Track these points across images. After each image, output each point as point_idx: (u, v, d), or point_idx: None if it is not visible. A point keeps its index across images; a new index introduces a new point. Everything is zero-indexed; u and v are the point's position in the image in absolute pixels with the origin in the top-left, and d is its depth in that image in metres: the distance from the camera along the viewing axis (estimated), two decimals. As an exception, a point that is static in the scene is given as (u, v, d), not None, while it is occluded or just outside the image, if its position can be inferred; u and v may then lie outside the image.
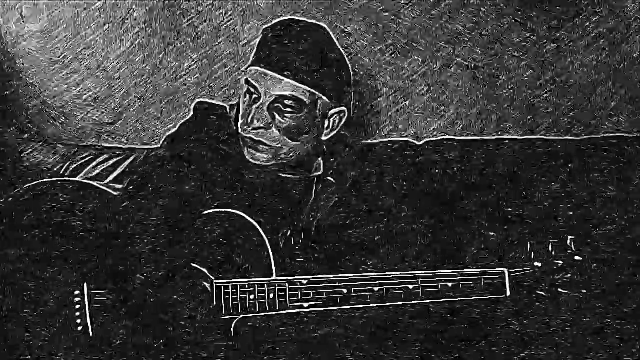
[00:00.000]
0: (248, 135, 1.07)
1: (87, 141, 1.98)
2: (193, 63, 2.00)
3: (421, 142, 1.74)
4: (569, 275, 0.96)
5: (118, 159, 1.83)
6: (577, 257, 0.97)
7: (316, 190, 1.14)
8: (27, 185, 1.11)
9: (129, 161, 1.52)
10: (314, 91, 1.06)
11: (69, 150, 1.95)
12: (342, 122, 1.13)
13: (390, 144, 1.73)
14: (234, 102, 1.21)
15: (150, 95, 2.07)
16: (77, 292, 1.03)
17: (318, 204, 1.13)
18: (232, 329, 1.03)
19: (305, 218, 1.11)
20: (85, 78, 2.15)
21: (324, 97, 1.08)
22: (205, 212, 1.04)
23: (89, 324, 1.01)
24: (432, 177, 1.64)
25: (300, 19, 1.13)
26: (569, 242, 0.98)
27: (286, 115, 1.06)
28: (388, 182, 1.27)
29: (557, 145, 1.65)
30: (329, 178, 1.15)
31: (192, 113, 1.20)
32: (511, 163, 1.61)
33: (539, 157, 1.62)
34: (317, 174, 1.17)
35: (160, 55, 2.07)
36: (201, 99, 1.23)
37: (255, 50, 1.10)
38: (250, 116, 1.06)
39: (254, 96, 1.07)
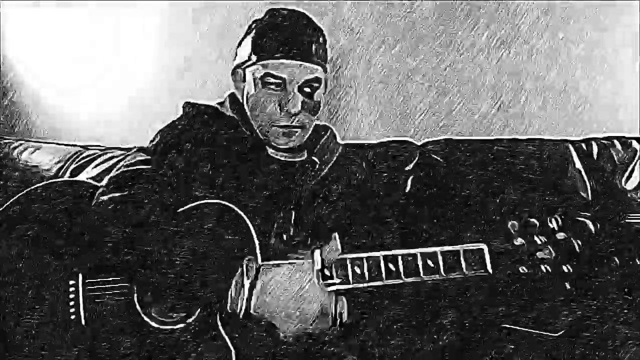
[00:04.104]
0: (283, 124, 1.14)
1: (87, 141, 1.99)
2: (194, 63, 2.01)
3: (421, 142, 1.74)
4: (550, 253, 0.98)
5: (118, 159, 1.83)
6: (558, 235, 0.99)
7: (304, 170, 1.21)
8: (32, 187, 1.13)
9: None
10: (322, 69, 1.17)
11: (69, 151, 1.95)
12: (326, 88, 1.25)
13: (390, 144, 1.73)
14: (222, 100, 1.27)
15: (151, 96, 2.08)
16: (72, 282, 1.06)
17: (305, 183, 1.20)
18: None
19: (295, 196, 1.17)
20: (85, 79, 2.16)
21: (323, 72, 1.19)
22: (195, 204, 1.07)
23: (82, 314, 1.04)
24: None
25: (284, 7, 1.20)
26: (549, 221, 1.00)
27: (312, 95, 1.15)
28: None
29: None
30: (314, 158, 1.22)
31: (181, 112, 1.26)
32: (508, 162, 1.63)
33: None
34: (302, 158, 1.25)
35: (162, 56, 2.08)
36: (189, 100, 1.26)
37: (256, 45, 1.15)
38: (282, 104, 1.13)
39: (274, 86, 1.13)
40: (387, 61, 1.88)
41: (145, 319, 1.05)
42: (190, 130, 1.17)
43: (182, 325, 1.04)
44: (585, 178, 1.63)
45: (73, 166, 1.91)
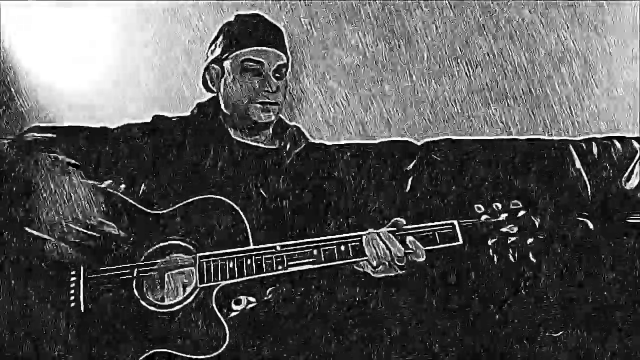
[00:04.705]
0: (260, 100, 1.32)
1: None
2: (195, 63, 2.00)
3: (421, 142, 1.74)
4: (512, 227, 1.11)
5: (118, 159, 1.83)
6: (519, 213, 1.12)
7: (279, 154, 1.37)
8: None
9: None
10: (286, 57, 1.38)
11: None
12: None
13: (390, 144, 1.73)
14: (202, 100, 1.41)
15: (152, 96, 2.08)
16: (73, 272, 1.11)
17: (282, 164, 1.35)
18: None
19: (273, 180, 1.32)
20: (87, 80, 2.16)
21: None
22: (188, 201, 1.17)
23: (82, 301, 1.09)
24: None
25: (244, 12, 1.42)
26: (511, 203, 1.13)
27: (279, 78, 1.35)
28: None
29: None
30: (284, 145, 1.38)
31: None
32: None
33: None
34: (276, 146, 1.40)
35: (164, 57, 2.08)
36: (158, 114, 1.39)
37: (231, 40, 1.35)
38: (259, 85, 1.32)
39: (253, 70, 1.32)
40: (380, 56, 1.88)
41: (143, 303, 1.10)
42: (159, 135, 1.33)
43: (179, 306, 1.10)
44: (585, 178, 1.63)
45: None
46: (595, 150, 1.67)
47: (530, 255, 1.10)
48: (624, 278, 1.45)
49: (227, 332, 1.06)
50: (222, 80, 1.35)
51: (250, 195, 1.27)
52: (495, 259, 1.11)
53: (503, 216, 1.12)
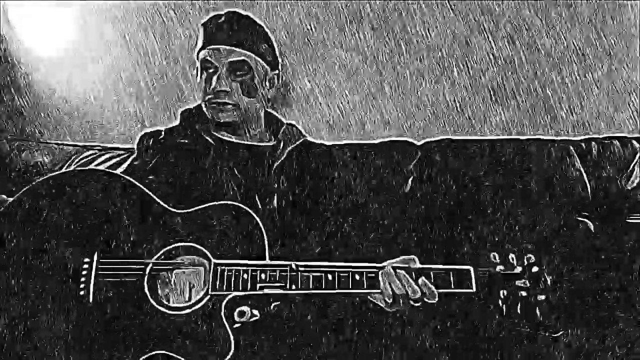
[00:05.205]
0: (214, 100, 1.32)
1: (87, 141, 1.99)
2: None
3: (421, 142, 1.74)
4: (526, 282, 1.12)
5: (118, 159, 1.83)
6: (533, 269, 1.12)
7: (274, 151, 1.37)
8: (45, 177, 1.18)
9: (128, 162, 1.55)
10: (254, 56, 1.35)
11: (69, 150, 1.95)
12: (277, 82, 1.44)
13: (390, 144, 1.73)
14: (191, 106, 1.43)
15: (154, 96, 2.08)
16: (86, 260, 1.11)
17: (277, 161, 1.35)
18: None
19: (272, 172, 1.33)
20: (87, 80, 2.16)
21: (262, 62, 1.37)
22: (207, 205, 1.17)
23: (91, 293, 1.09)
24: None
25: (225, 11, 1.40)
26: (526, 257, 1.14)
27: (239, 76, 1.33)
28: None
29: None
30: (279, 141, 1.39)
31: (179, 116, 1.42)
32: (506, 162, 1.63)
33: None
34: (272, 143, 1.41)
35: (165, 57, 2.08)
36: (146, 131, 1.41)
37: (201, 39, 1.36)
38: (213, 84, 1.31)
39: (210, 70, 1.33)
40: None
41: (153, 302, 1.09)
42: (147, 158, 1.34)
43: (189, 310, 1.09)
44: (585, 178, 1.63)
45: (73, 166, 1.91)
46: (595, 150, 1.67)
47: (538, 311, 1.10)
48: (624, 278, 1.45)
49: (233, 342, 1.05)
50: (198, 80, 1.37)
51: (243, 194, 1.27)
52: (504, 310, 1.11)
53: (518, 269, 1.12)
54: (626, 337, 1.32)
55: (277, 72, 1.43)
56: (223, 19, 1.36)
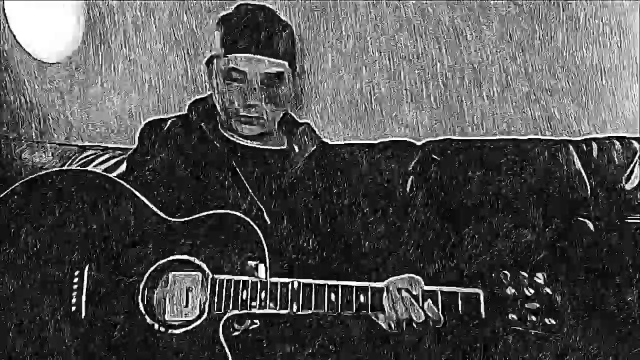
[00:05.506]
0: (243, 114, 1.22)
1: (87, 141, 1.99)
2: (196, 63, 2.00)
3: (421, 142, 1.74)
4: (537, 305, 1.07)
5: (118, 159, 1.83)
6: (545, 290, 1.08)
7: (288, 157, 1.29)
8: (32, 176, 1.16)
9: (127, 155, 1.55)
10: (288, 65, 1.25)
11: (69, 150, 1.95)
12: (295, 80, 1.34)
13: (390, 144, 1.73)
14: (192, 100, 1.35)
15: (154, 96, 2.08)
16: (77, 273, 1.06)
17: (292, 168, 1.27)
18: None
19: (286, 180, 1.25)
20: (87, 80, 2.15)
21: (288, 67, 1.26)
22: (205, 214, 1.11)
23: (83, 305, 1.05)
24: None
25: (252, 2, 1.27)
26: (537, 276, 1.09)
27: (273, 88, 1.22)
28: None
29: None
30: (294, 146, 1.31)
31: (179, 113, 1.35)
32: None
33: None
34: (283, 147, 1.33)
35: (165, 57, 2.08)
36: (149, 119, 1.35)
37: (224, 39, 1.22)
38: (244, 98, 1.21)
39: (239, 78, 1.21)
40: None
41: (148, 320, 1.05)
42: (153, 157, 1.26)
43: (184, 329, 1.04)
44: (585, 178, 1.63)
45: (73, 166, 1.91)
46: (595, 150, 1.67)
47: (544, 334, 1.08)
48: (624, 278, 1.45)
49: None
50: (215, 80, 1.25)
51: (253, 203, 1.19)
52: (512, 332, 1.10)
53: (529, 292, 1.08)
54: (627, 338, 1.32)
55: (296, 70, 1.33)
56: (252, 18, 1.21)
